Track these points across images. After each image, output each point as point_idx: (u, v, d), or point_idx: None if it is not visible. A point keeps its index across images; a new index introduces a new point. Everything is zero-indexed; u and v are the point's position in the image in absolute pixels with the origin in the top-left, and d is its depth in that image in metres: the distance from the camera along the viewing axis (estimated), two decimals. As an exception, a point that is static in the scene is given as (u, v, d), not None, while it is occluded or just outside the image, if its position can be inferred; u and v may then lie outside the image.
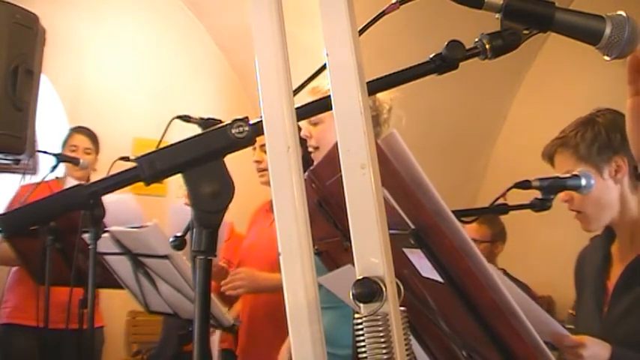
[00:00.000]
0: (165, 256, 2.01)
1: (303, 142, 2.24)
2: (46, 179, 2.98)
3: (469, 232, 3.23)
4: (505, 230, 3.42)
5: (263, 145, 2.58)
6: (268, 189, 2.60)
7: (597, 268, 1.71)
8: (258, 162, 2.63)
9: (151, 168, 0.77)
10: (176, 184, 4.58)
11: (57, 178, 3.39)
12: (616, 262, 1.69)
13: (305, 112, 0.83)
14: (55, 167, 3.02)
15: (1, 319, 3.30)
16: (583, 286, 1.78)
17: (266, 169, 2.60)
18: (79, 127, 3.57)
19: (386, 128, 1.98)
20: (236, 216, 2.90)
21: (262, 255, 2.60)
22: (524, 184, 1.59)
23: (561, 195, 1.63)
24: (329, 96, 0.70)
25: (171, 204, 3.53)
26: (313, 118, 2.01)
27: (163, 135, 1.95)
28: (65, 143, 3.47)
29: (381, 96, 2.02)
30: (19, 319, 3.13)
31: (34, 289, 2.51)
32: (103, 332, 3.49)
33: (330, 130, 1.98)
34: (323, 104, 0.82)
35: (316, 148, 2.03)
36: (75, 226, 2.17)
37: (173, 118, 2.14)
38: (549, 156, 1.73)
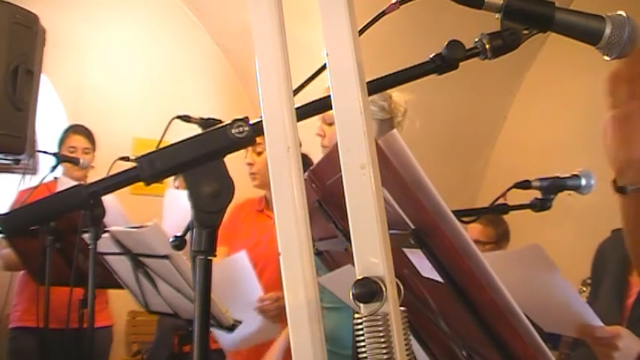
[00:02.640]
0: (165, 256, 2.01)
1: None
2: (45, 180, 2.97)
3: (474, 233, 3.24)
4: (509, 230, 3.41)
5: (255, 146, 2.57)
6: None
7: (620, 261, 1.69)
8: (250, 165, 2.60)
9: (151, 168, 0.77)
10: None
11: (55, 178, 3.39)
12: None
13: (305, 112, 0.83)
14: (55, 167, 3.02)
15: (12, 322, 3.31)
16: (602, 278, 1.76)
17: (256, 173, 2.58)
18: (75, 127, 3.55)
19: (400, 131, 1.97)
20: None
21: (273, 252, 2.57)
22: (524, 184, 1.59)
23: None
24: (329, 96, 0.70)
25: (167, 190, 3.49)
26: (328, 118, 2.00)
27: (163, 135, 1.95)
28: (62, 144, 3.45)
29: (396, 98, 2.01)
30: (29, 322, 3.13)
31: (57, 293, 2.46)
32: (111, 331, 3.52)
33: None
34: (324, 104, 0.81)
35: (327, 149, 2.02)
36: (75, 226, 2.17)
37: (173, 118, 2.14)
38: None
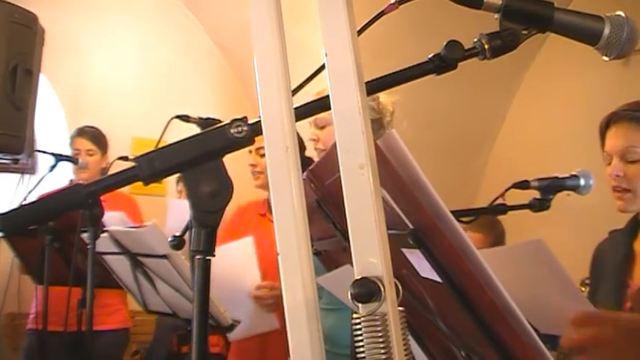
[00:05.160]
0: (164, 256, 2.01)
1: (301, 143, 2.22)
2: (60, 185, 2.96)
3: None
4: (504, 233, 3.40)
5: (258, 149, 2.58)
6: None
7: (619, 264, 1.69)
8: (253, 166, 2.61)
9: (149, 167, 0.77)
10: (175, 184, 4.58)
11: (71, 181, 3.37)
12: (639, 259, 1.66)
13: (304, 112, 0.83)
14: (53, 167, 3.01)
15: (28, 324, 3.28)
16: (600, 281, 1.75)
17: (261, 172, 2.59)
18: (82, 129, 3.45)
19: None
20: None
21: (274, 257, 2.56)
22: (523, 184, 1.59)
23: (615, 166, 1.60)
24: (327, 96, 0.70)
25: (169, 199, 3.50)
26: (320, 121, 2.01)
27: (162, 134, 1.95)
28: (70, 147, 3.43)
29: (383, 99, 2.02)
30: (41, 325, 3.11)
31: (59, 293, 2.45)
32: (128, 333, 3.44)
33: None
34: (323, 104, 0.81)
35: (322, 151, 2.02)
36: (74, 226, 2.17)
37: (172, 118, 2.14)
38: (609, 124, 1.67)
